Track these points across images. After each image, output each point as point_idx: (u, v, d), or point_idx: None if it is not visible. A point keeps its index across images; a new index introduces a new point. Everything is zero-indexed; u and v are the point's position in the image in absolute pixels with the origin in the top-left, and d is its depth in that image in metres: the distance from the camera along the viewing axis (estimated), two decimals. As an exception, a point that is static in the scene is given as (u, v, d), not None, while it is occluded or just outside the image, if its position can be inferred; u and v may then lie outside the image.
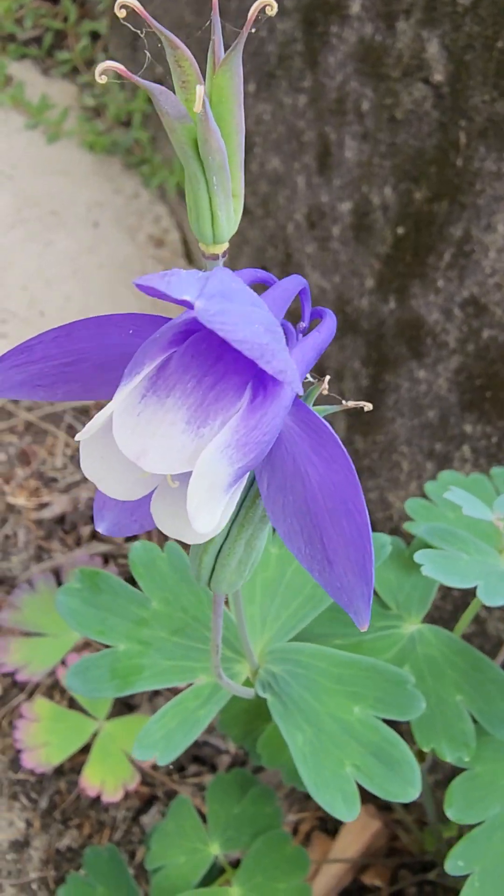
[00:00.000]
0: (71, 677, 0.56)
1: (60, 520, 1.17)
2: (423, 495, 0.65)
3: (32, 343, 0.37)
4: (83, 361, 0.37)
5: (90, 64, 1.81)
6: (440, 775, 0.94)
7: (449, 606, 0.91)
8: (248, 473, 0.36)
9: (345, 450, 0.35)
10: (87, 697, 0.54)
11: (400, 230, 0.93)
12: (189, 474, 0.32)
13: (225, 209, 0.35)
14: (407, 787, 0.49)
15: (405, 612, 0.59)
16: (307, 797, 0.97)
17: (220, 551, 0.41)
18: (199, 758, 1.00)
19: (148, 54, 0.43)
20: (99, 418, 0.32)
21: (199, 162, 0.34)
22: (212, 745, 1.00)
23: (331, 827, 0.95)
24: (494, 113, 0.78)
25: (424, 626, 0.58)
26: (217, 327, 0.28)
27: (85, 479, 1.22)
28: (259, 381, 0.33)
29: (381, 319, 0.99)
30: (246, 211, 1.32)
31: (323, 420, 0.35)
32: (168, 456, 0.32)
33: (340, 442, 0.35)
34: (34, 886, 0.92)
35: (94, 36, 1.82)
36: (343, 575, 0.37)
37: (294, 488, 0.37)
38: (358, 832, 0.91)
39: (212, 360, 0.32)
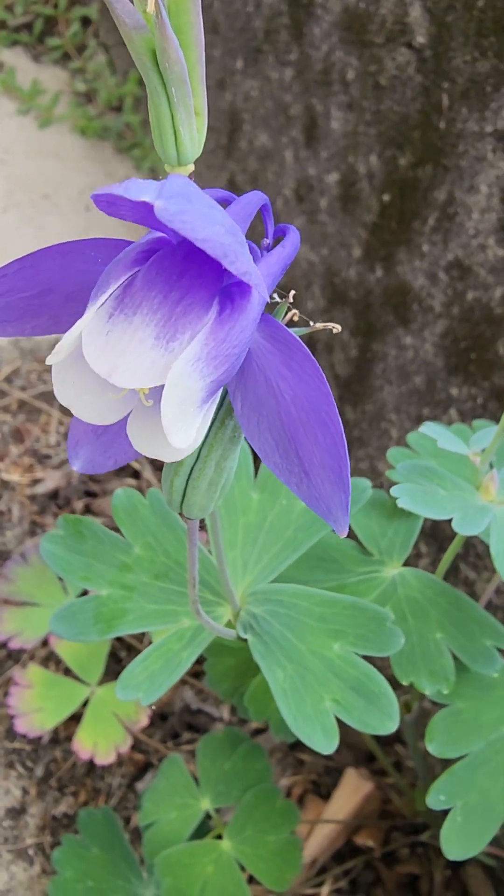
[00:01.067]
0: (56, 622, 0.56)
1: (54, 495, 1.17)
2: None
3: None
4: (50, 293, 0.37)
5: (81, 50, 1.81)
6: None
7: (427, 559, 0.92)
8: (220, 391, 0.36)
9: (315, 361, 0.35)
10: (71, 640, 0.55)
11: (385, 197, 0.94)
12: (161, 395, 0.33)
13: (188, 126, 0.35)
14: (385, 720, 0.49)
15: (387, 558, 0.60)
16: (300, 762, 0.98)
17: (190, 474, 0.41)
18: (192, 725, 1.01)
19: None
20: (67, 340, 0.33)
21: (158, 74, 0.34)
22: (205, 712, 1.01)
23: (323, 791, 0.96)
24: (475, 73, 0.78)
25: (406, 569, 0.59)
26: (178, 226, 0.28)
27: (78, 456, 1.22)
28: (226, 295, 0.34)
29: (368, 289, 1.00)
30: (236, 189, 1.33)
31: (292, 333, 0.35)
32: (139, 370, 0.32)
33: (311, 354, 0.35)
34: (31, 852, 0.93)
35: (85, 21, 1.82)
36: (321, 485, 0.37)
37: (267, 404, 0.37)
38: (350, 794, 0.92)
39: (176, 276, 0.33)
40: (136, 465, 1.20)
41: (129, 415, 0.36)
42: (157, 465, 1.22)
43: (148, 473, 1.20)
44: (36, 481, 1.19)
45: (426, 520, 0.94)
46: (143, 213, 0.31)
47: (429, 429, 0.51)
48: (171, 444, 0.32)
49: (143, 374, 0.32)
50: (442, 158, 0.85)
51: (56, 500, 1.17)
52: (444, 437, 0.50)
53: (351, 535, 0.63)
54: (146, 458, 1.23)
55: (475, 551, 0.88)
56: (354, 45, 0.94)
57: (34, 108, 1.71)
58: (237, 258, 0.30)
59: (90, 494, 1.18)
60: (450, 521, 0.49)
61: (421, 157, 0.87)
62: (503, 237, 0.80)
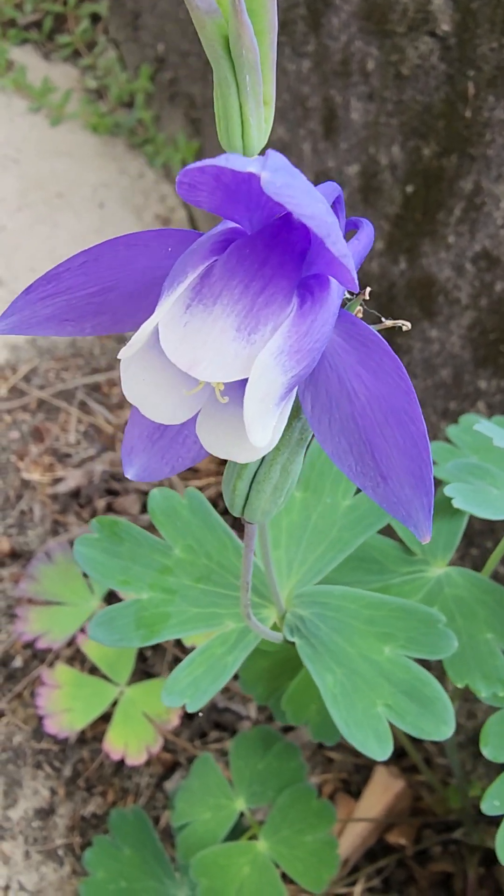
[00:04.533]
0: (95, 628, 0.55)
1: (75, 494, 1.17)
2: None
3: (59, 270, 0.35)
4: (112, 290, 0.36)
5: (91, 47, 1.80)
6: (462, 737, 0.93)
7: (475, 553, 0.91)
8: (295, 391, 0.35)
9: (397, 358, 0.34)
10: (112, 647, 0.54)
11: (409, 188, 0.92)
12: (238, 391, 0.31)
13: (256, 116, 0.34)
14: (440, 725, 0.48)
15: (431, 557, 0.59)
16: (330, 760, 0.97)
17: (254, 477, 0.40)
18: (220, 724, 1.00)
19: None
20: (141, 334, 0.31)
21: (229, 62, 0.32)
22: (233, 711, 1.00)
23: (354, 789, 0.95)
24: (503, 60, 0.77)
25: (451, 568, 0.58)
26: (285, 200, 0.27)
27: (98, 454, 1.22)
28: (305, 287, 0.32)
29: (391, 281, 0.98)
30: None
31: (371, 329, 0.34)
32: (221, 363, 0.30)
33: (391, 351, 0.34)
34: (60, 853, 0.92)
35: (95, 18, 1.82)
36: (399, 489, 0.36)
37: (340, 405, 0.36)
38: (381, 793, 0.91)
39: (258, 265, 0.31)
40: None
41: (191, 417, 0.34)
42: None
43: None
44: (57, 480, 1.18)
45: (472, 519, 0.93)
46: (223, 196, 0.30)
47: (483, 427, 0.49)
48: (250, 441, 0.31)
49: (226, 367, 0.30)
50: (468, 148, 0.83)
51: (77, 499, 1.16)
52: (499, 434, 0.49)
53: (391, 534, 0.62)
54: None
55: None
56: (375, 35, 0.92)
57: (45, 106, 1.70)
58: (338, 239, 0.29)
59: (112, 493, 1.17)
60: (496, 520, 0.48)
61: (446, 146, 0.86)
62: (532, 226, 0.79)
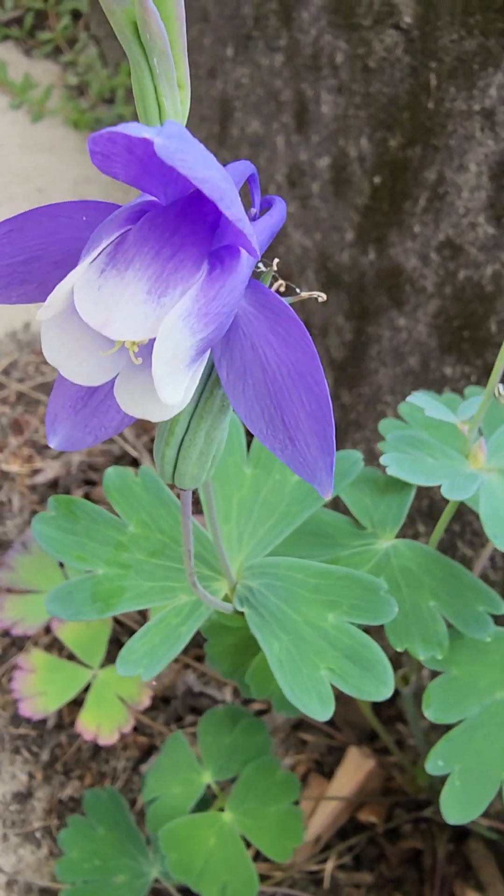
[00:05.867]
0: (52, 602, 0.56)
1: (54, 485, 1.18)
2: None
3: None
4: (38, 259, 0.37)
5: (72, 43, 1.82)
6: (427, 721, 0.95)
7: (425, 539, 0.93)
8: (207, 354, 0.37)
9: (302, 325, 0.36)
10: (69, 620, 0.55)
11: (377, 179, 0.94)
12: (151, 351, 0.33)
13: (171, 99, 0.36)
14: (380, 686, 0.50)
15: (380, 530, 0.60)
16: (303, 742, 0.99)
17: (181, 444, 0.42)
18: (195, 708, 1.01)
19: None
20: (58, 294, 0.33)
21: (140, 47, 0.34)
22: (208, 695, 1.02)
23: (326, 770, 0.97)
24: (463, 52, 0.79)
25: (399, 540, 0.60)
26: (178, 164, 0.28)
27: (77, 445, 1.23)
28: (216, 256, 0.34)
29: (361, 272, 1.00)
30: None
31: (279, 297, 0.36)
32: (131, 322, 0.32)
33: (297, 317, 0.36)
34: (38, 835, 0.94)
35: (76, 15, 1.83)
36: (305, 450, 0.38)
37: (253, 372, 0.38)
38: (353, 772, 0.93)
39: (168, 234, 0.33)
40: (134, 453, 1.21)
41: (110, 385, 0.36)
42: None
43: (147, 461, 1.20)
44: (35, 471, 1.20)
45: (423, 499, 0.95)
46: (138, 168, 0.31)
47: (417, 398, 0.51)
48: (161, 399, 0.32)
49: (136, 326, 0.32)
50: (431, 138, 0.85)
51: (56, 490, 1.18)
52: (432, 406, 0.51)
53: (344, 510, 0.63)
54: (144, 446, 1.23)
55: (471, 528, 0.88)
56: (342, 29, 0.94)
57: (26, 102, 1.71)
58: (232, 203, 0.30)
59: (89, 483, 1.19)
60: (444, 495, 0.50)
61: (410, 137, 0.88)
62: (493, 215, 0.81)
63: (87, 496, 1.16)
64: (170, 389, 0.33)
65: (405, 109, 0.88)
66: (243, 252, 0.34)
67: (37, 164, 1.63)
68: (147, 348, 0.33)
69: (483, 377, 0.85)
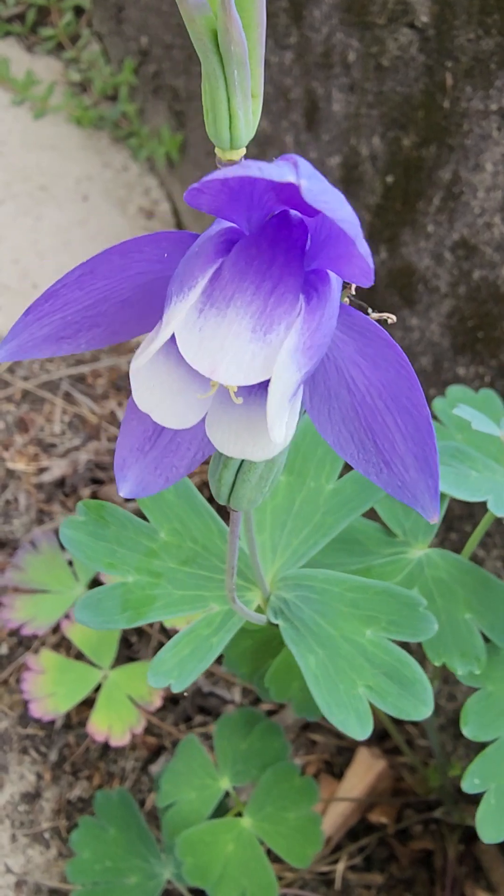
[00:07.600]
0: (81, 610, 0.55)
1: (60, 483, 1.18)
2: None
3: (56, 288, 0.35)
4: (105, 301, 0.36)
5: (74, 39, 1.80)
6: (443, 718, 0.95)
7: (455, 537, 0.93)
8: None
9: (397, 346, 0.34)
10: (98, 629, 0.54)
11: (389, 179, 0.94)
12: (249, 390, 0.32)
13: (244, 109, 0.34)
14: (419, 706, 0.49)
15: (412, 539, 0.60)
16: (313, 742, 0.99)
17: (240, 467, 0.40)
18: (204, 708, 1.01)
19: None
20: (153, 343, 0.31)
21: (218, 56, 0.32)
22: (217, 695, 1.01)
23: (336, 770, 0.97)
24: (480, 51, 0.79)
25: (432, 550, 0.59)
26: (322, 206, 0.27)
27: (83, 444, 1.22)
28: (308, 283, 0.33)
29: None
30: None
31: (370, 319, 0.34)
32: (241, 365, 0.31)
33: (391, 339, 0.34)
34: (46, 836, 0.93)
35: (78, 11, 1.82)
36: (403, 472, 0.36)
37: (339, 395, 0.36)
38: (363, 773, 0.93)
39: (266, 265, 0.31)
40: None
41: (169, 431, 0.35)
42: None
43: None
44: (42, 470, 1.19)
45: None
46: (226, 198, 0.30)
47: (462, 411, 0.50)
48: (271, 439, 0.31)
49: (248, 369, 0.31)
50: (446, 138, 0.85)
51: (62, 489, 1.17)
52: (477, 418, 0.50)
53: (374, 517, 0.63)
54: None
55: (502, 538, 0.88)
56: (355, 27, 0.94)
57: (29, 99, 1.70)
58: (362, 239, 0.29)
59: (96, 482, 1.18)
60: (491, 511, 0.49)
61: (425, 137, 0.87)
62: (509, 215, 0.81)
63: (94, 495, 1.15)
64: (280, 429, 0.31)
65: (420, 108, 0.87)
66: (331, 275, 0.33)
67: (39, 162, 1.62)
68: (245, 387, 0.32)
69: (498, 378, 0.85)
